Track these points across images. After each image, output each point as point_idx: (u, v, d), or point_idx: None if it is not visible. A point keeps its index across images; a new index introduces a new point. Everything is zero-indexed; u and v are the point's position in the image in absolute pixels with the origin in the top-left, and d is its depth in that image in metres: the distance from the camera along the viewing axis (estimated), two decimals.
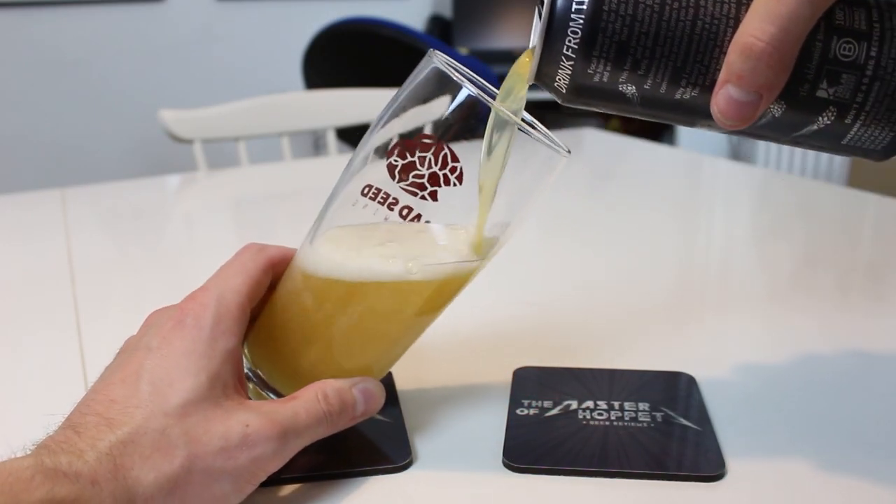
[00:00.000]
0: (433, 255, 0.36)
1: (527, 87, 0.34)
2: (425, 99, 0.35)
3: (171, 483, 0.30)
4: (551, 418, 0.41)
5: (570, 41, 0.30)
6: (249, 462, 0.32)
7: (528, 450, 0.38)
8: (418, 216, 0.34)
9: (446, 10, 2.73)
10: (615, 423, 0.40)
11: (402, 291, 0.36)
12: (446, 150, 0.34)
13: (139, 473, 0.30)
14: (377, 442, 0.39)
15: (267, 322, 0.39)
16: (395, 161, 0.34)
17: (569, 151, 0.35)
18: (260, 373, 0.39)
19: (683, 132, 2.33)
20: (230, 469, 0.31)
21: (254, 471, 0.32)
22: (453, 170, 0.35)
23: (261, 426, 0.32)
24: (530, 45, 0.32)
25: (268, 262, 0.38)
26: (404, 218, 0.34)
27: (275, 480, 0.36)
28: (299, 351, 0.38)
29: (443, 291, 0.37)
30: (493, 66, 2.14)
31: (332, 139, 1.29)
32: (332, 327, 0.37)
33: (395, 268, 0.35)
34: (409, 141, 0.34)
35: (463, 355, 0.49)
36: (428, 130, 0.35)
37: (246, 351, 0.40)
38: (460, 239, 0.36)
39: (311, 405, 0.35)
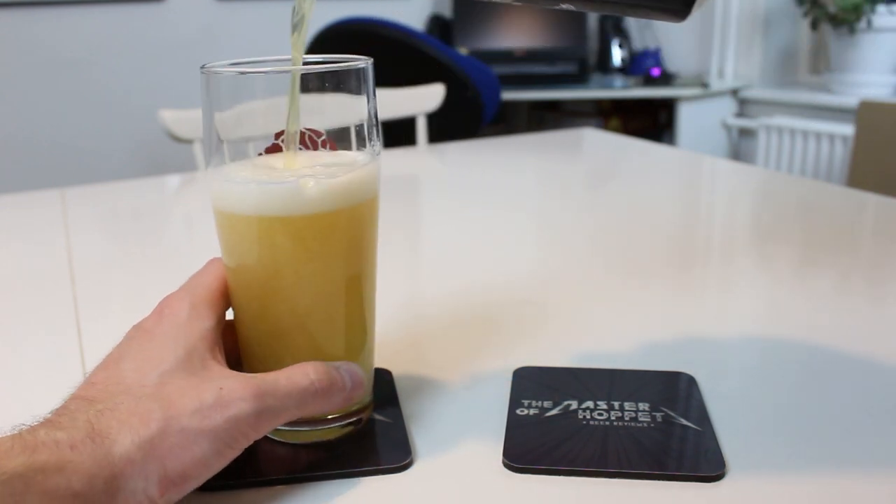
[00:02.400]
0: (325, 171, 0.36)
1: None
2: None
3: (149, 445, 0.31)
4: (551, 418, 0.41)
5: None
6: (225, 422, 0.32)
7: (528, 450, 0.38)
8: None
9: (446, 10, 2.73)
10: (615, 423, 0.40)
11: (308, 222, 0.36)
12: (308, 132, 0.36)
13: (117, 436, 0.30)
14: (377, 442, 0.39)
15: (243, 347, 0.40)
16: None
17: (370, 58, 0.37)
18: None
19: (683, 132, 2.33)
20: (206, 429, 0.32)
21: (231, 432, 0.32)
22: (324, 143, 0.37)
23: (235, 386, 0.33)
24: None
25: None
26: None
27: (275, 480, 0.36)
28: (280, 345, 0.38)
29: (352, 218, 0.37)
30: (493, 66, 2.14)
31: None
32: (279, 286, 0.37)
33: (291, 185, 0.35)
34: (272, 146, 0.37)
35: (463, 355, 0.49)
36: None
37: None
38: (346, 158, 0.37)
39: (294, 375, 0.35)
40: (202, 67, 0.36)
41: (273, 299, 0.37)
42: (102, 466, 0.29)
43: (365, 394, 0.38)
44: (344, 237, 0.37)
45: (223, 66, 0.36)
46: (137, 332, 0.36)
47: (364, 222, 0.38)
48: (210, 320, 0.36)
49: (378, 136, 0.40)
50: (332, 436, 0.39)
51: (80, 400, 0.32)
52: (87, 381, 0.34)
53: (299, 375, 0.35)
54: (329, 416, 0.39)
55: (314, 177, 0.36)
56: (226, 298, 0.38)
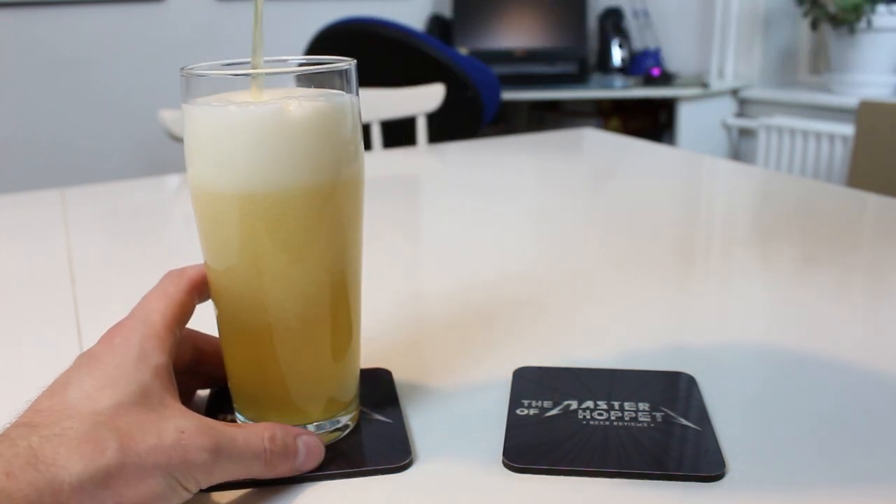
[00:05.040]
0: (306, 94, 0.36)
1: None
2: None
3: (103, 474, 0.29)
4: (551, 418, 0.41)
5: None
6: (182, 463, 0.31)
7: (528, 450, 0.38)
8: None
9: (446, 10, 2.73)
10: (615, 423, 0.40)
11: (291, 196, 0.35)
12: None
13: (66, 462, 0.29)
14: (377, 442, 0.39)
15: (225, 347, 0.40)
16: None
17: (354, 60, 0.37)
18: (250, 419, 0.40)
19: (683, 132, 2.33)
20: (163, 465, 0.31)
21: (186, 475, 0.32)
22: None
23: (196, 434, 0.32)
24: None
25: (189, 283, 0.38)
26: None
27: (275, 480, 0.36)
28: (262, 344, 0.38)
29: (335, 198, 0.36)
30: (493, 66, 2.14)
31: None
32: (259, 266, 0.36)
33: (273, 106, 0.34)
34: None
35: (463, 355, 0.50)
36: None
37: (236, 408, 0.40)
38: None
39: (252, 438, 0.35)
40: (182, 69, 0.36)
41: (254, 294, 0.37)
42: (44, 494, 0.28)
43: (319, 462, 0.37)
44: (327, 218, 0.36)
45: (203, 68, 0.36)
46: (86, 360, 0.34)
47: (347, 204, 0.37)
48: (163, 356, 0.35)
49: (360, 137, 0.39)
50: None
51: (23, 426, 0.30)
52: (31, 408, 0.32)
53: (255, 439, 0.35)
54: (314, 423, 0.39)
55: (297, 99, 0.35)
56: (180, 324, 0.37)
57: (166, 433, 0.32)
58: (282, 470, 0.36)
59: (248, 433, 0.35)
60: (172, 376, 0.36)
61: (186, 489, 0.32)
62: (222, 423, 0.34)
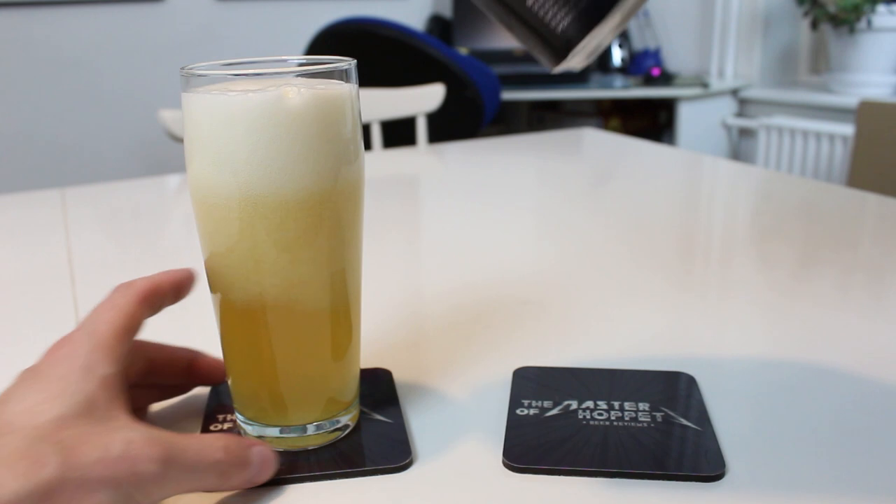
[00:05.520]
0: (304, 84, 0.35)
1: None
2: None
3: (42, 490, 0.28)
4: (551, 418, 0.41)
5: None
6: (130, 476, 0.30)
7: (528, 450, 0.38)
8: None
9: (446, 10, 2.73)
10: (615, 423, 0.40)
11: (291, 199, 0.35)
12: None
13: (3, 481, 0.27)
14: (377, 442, 0.39)
15: (230, 365, 0.39)
16: None
17: (354, 60, 0.37)
18: (250, 420, 0.40)
19: (683, 132, 2.33)
20: (108, 478, 0.29)
21: (135, 487, 0.30)
22: None
23: (145, 444, 0.31)
24: None
25: (137, 295, 0.36)
26: None
27: (275, 480, 0.36)
28: (261, 344, 0.38)
29: (335, 199, 0.36)
30: (493, 66, 2.14)
31: None
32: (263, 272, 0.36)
33: (272, 94, 0.34)
34: None
35: (463, 355, 0.50)
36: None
37: (236, 408, 0.40)
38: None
39: (205, 448, 0.33)
40: (182, 69, 0.36)
41: (254, 294, 0.36)
42: None
43: (271, 475, 0.36)
44: (327, 218, 0.36)
45: (203, 67, 0.36)
46: (29, 375, 0.33)
47: (348, 204, 0.37)
48: (112, 366, 0.33)
49: (361, 135, 0.39)
50: (316, 443, 0.39)
51: None
52: None
53: (210, 449, 0.33)
54: (314, 423, 0.39)
55: (297, 87, 0.35)
56: (130, 334, 0.36)
57: (113, 445, 0.30)
58: (236, 482, 0.35)
59: (200, 443, 0.33)
60: (122, 387, 0.34)
61: (137, 502, 0.31)
62: (174, 433, 0.33)
